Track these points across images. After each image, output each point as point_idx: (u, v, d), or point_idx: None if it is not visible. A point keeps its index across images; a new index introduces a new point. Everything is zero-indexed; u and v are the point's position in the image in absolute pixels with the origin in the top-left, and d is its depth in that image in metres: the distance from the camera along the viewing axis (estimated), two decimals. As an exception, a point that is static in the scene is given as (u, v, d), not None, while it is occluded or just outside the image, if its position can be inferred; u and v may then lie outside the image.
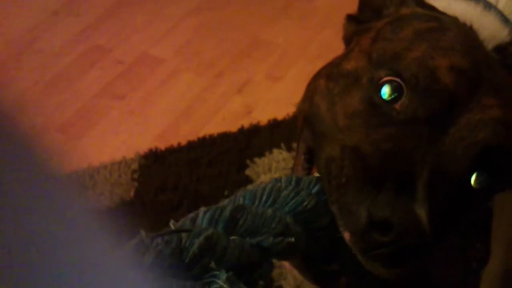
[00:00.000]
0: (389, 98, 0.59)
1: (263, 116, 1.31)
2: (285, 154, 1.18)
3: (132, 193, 1.17)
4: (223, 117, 1.34)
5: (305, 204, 0.58)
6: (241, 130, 1.26)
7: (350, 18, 0.75)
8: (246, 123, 1.29)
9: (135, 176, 1.21)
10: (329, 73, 0.67)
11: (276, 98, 1.36)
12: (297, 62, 1.43)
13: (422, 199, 0.54)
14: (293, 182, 0.60)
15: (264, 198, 0.58)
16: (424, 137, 0.57)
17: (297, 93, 0.76)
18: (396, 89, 0.59)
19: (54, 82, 1.51)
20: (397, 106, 0.58)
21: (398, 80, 0.59)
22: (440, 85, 0.58)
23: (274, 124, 1.27)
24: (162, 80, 1.47)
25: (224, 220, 0.53)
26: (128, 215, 1.13)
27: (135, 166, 1.22)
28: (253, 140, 1.24)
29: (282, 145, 1.21)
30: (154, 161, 1.23)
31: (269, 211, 0.56)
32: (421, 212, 0.53)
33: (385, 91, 0.59)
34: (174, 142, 1.28)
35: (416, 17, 0.66)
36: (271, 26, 1.57)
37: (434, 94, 0.58)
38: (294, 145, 1.18)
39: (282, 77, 1.41)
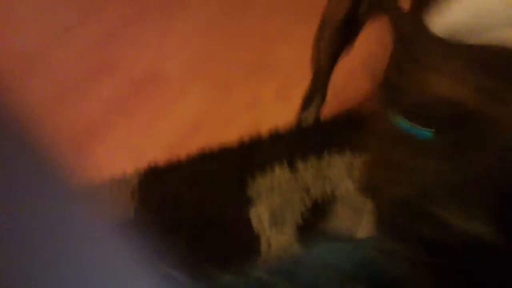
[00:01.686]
0: None
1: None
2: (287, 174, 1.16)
3: (132, 212, 1.16)
4: (231, 133, 1.32)
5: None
6: (242, 145, 1.25)
7: None
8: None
9: (135, 194, 1.19)
10: None
11: (285, 118, 1.34)
12: (304, 82, 1.41)
13: None
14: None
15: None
16: None
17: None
18: None
19: (62, 98, 1.51)
20: None
21: None
22: None
23: (276, 137, 1.25)
24: (170, 98, 1.46)
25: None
26: (128, 234, 1.12)
27: (134, 182, 1.21)
28: (256, 155, 1.22)
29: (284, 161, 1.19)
30: (154, 179, 1.21)
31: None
32: None
33: None
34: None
35: None
36: (278, 45, 1.56)
37: None
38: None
39: (290, 97, 1.39)
